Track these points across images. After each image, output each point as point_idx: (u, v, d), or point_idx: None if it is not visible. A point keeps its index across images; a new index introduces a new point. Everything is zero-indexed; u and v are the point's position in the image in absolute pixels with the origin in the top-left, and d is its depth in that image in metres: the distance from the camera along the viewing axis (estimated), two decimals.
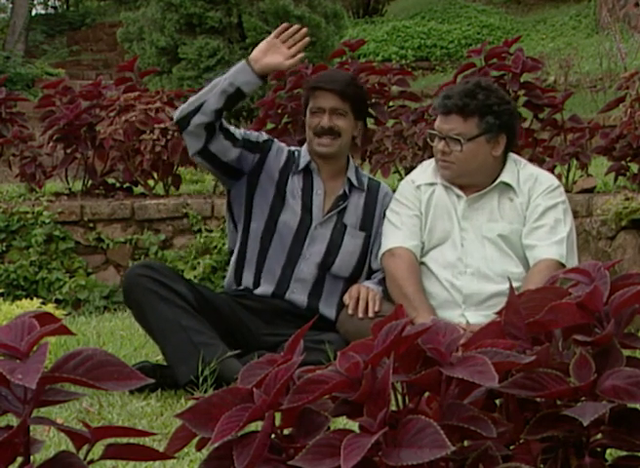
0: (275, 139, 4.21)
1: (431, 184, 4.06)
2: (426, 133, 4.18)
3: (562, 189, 4.05)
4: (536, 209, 3.95)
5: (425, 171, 4.13)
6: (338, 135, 4.06)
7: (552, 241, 3.89)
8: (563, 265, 3.84)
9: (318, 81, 4.13)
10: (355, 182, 4.15)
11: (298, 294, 4.09)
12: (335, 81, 4.08)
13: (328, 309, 4.10)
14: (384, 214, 4.12)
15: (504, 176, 3.99)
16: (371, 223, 4.16)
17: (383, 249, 4.05)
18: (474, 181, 4.00)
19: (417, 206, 4.05)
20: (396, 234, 4.03)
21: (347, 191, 4.15)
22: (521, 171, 4.02)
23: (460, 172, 3.97)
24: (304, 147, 4.19)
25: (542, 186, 3.98)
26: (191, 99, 3.99)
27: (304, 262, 4.09)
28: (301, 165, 4.13)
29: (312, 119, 4.09)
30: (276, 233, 4.10)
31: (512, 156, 4.07)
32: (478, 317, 3.88)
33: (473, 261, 3.94)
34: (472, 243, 3.96)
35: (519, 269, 3.93)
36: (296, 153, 4.17)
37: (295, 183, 4.12)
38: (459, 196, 4.01)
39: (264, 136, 4.18)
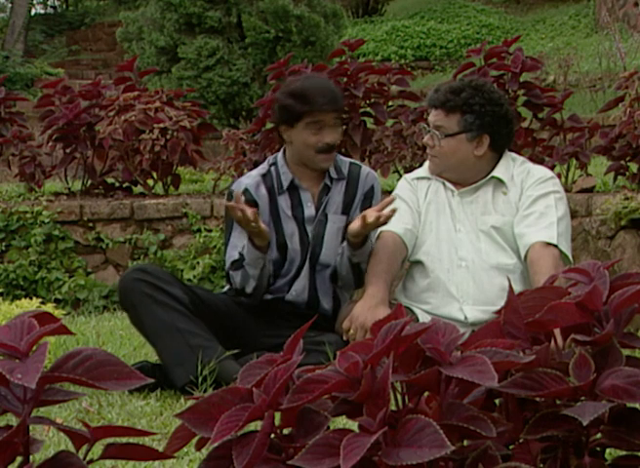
0: (233, 189, 4.06)
1: (427, 178, 4.09)
2: (420, 125, 4.17)
3: (556, 180, 4.04)
4: (527, 199, 3.96)
5: (425, 166, 4.16)
6: (335, 146, 4.06)
7: (541, 226, 3.87)
8: (555, 246, 3.82)
9: (320, 103, 3.96)
10: (335, 175, 4.11)
11: (297, 295, 4.10)
12: (333, 100, 3.99)
13: (325, 301, 4.11)
14: (366, 195, 4.12)
15: (497, 172, 4.00)
16: (351, 205, 4.12)
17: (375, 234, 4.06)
18: (459, 177, 4.01)
19: (409, 196, 4.06)
20: None
21: (329, 183, 4.11)
22: (516, 167, 4.03)
23: (441, 166, 4.00)
24: (281, 163, 4.10)
25: (534, 178, 3.98)
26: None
27: (306, 271, 4.10)
28: (285, 184, 4.08)
29: (312, 136, 3.97)
30: (287, 260, 4.09)
31: (511, 154, 4.07)
32: (476, 312, 3.90)
33: (467, 255, 3.96)
34: (467, 236, 3.98)
35: (513, 260, 3.94)
36: (251, 188, 4.05)
37: (282, 204, 4.06)
38: (452, 190, 4.04)
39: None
